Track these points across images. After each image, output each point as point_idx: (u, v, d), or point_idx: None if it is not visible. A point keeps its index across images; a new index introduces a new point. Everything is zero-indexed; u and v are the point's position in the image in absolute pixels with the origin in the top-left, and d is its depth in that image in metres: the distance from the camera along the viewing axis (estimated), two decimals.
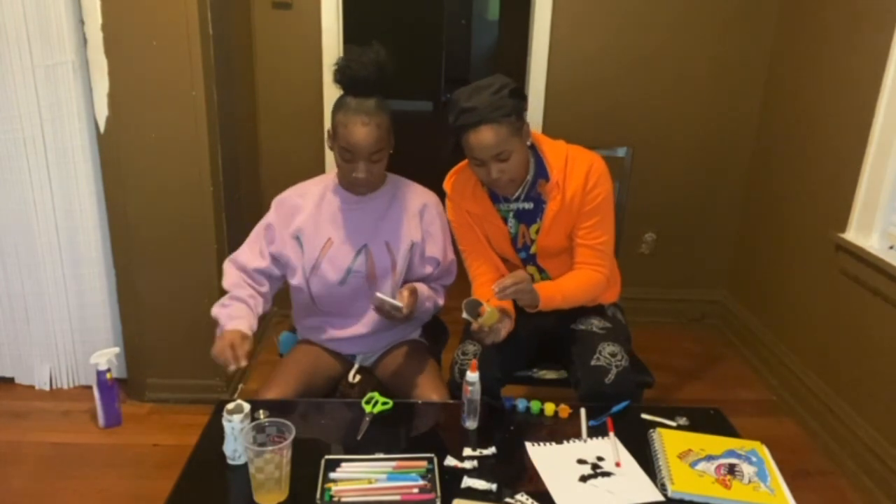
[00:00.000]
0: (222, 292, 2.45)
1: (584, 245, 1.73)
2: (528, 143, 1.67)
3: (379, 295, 1.57)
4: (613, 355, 1.64)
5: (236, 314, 1.60)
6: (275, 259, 1.73)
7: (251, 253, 1.74)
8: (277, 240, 1.72)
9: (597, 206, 1.69)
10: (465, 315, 1.51)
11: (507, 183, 1.64)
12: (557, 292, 1.67)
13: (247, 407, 1.31)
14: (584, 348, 1.68)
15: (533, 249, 1.79)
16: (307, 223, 1.71)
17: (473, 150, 1.58)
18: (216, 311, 1.63)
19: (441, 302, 1.80)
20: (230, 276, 1.72)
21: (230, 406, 1.31)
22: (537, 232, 1.75)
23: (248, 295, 1.68)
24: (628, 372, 1.64)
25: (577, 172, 1.68)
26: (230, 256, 1.76)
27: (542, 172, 1.72)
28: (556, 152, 1.70)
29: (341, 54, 1.61)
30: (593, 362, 1.64)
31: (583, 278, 1.73)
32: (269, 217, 1.74)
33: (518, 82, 1.70)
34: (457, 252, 1.85)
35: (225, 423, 1.28)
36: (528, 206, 1.74)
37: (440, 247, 1.78)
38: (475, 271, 1.81)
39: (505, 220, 1.77)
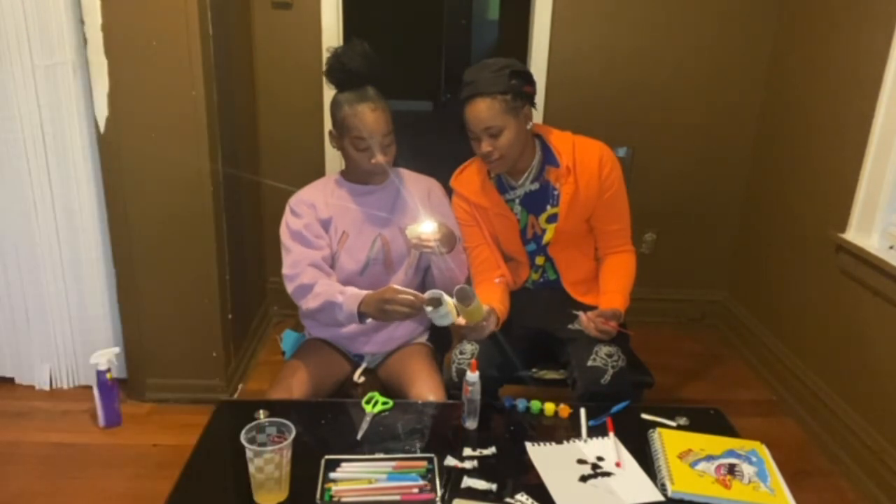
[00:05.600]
0: (222, 292, 2.48)
1: (609, 231, 1.82)
2: (528, 126, 1.69)
3: (410, 227, 1.60)
4: (610, 356, 1.64)
5: (351, 291, 1.60)
6: (322, 256, 1.72)
7: (306, 250, 1.68)
8: (321, 231, 1.72)
9: (615, 192, 1.76)
10: (454, 301, 1.49)
11: (497, 161, 1.68)
12: (619, 294, 1.74)
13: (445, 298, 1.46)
14: (581, 349, 1.68)
15: (545, 239, 1.81)
16: (329, 219, 1.73)
17: (468, 123, 1.65)
18: (320, 302, 1.60)
19: (467, 272, 1.83)
20: (305, 276, 1.65)
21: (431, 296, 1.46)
22: (547, 220, 1.78)
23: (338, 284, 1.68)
24: (625, 372, 1.64)
25: (589, 159, 1.72)
26: (286, 274, 1.67)
27: (549, 159, 1.76)
28: (562, 140, 1.76)
29: (328, 56, 1.66)
30: (590, 363, 1.64)
31: (622, 264, 1.82)
32: (302, 217, 1.71)
33: None
34: None
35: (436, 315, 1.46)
36: (535, 186, 1.77)
37: (454, 225, 1.81)
38: (475, 268, 1.83)
39: (513, 210, 1.79)
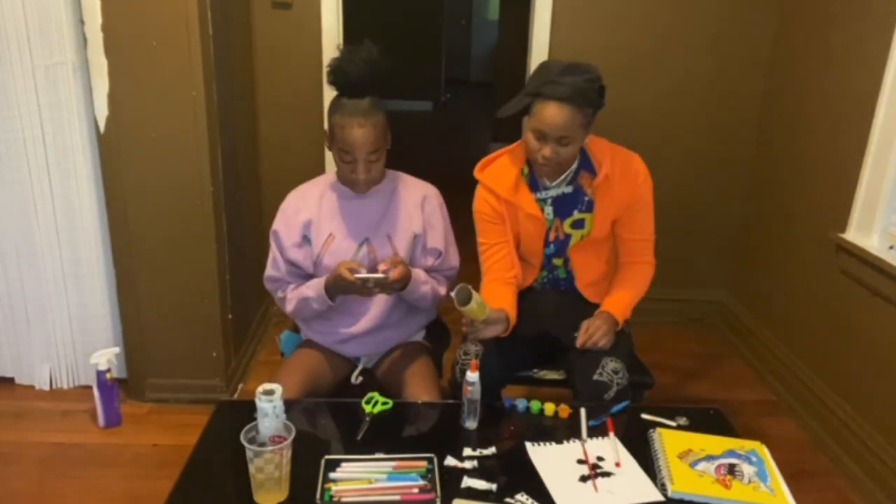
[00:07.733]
0: (222, 292, 2.48)
1: (635, 239, 1.82)
2: (586, 141, 1.71)
3: (357, 276, 1.57)
4: (616, 372, 1.64)
5: (313, 281, 1.71)
6: (291, 264, 1.75)
7: (271, 266, 1.79)
8: (287, 246, 1.73)
9: (647, 201, 1.78)
10: (455, 304, 1.49)
11: (553, 167, 1.66)
12: (619, 303, 1.77)
13: (279, 388, 1.26)
14: (588, 361, 1.67)
15: (572, 243, 1.80)
16: (310, 221, 1.72)
17: (543, 122, 1.60)
18: (294, 305, 1.74)
19: (442, 291, 1.79)
20: (284, 289, 1.79)
21: (266, 387, 1.26)
22: (571, 226, 1.77)
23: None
24: (627, 390, 1.65)
25: (624, 168, 1.74)
26: (266, 276, 1.82)
27: (586, 165, 1.75)
28: (600, 147, 1.76)
29: (335, 55, 1.62)
30: (595, 377, 1.63)
31: (635, 275, 1.84)
32: (276, 225, 1.76)
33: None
34: (458, 243, 1.85)
35: (264, 405, 1.23)
36: (569, 189, 1.76)
37: (441, 237, 1.79)
38: (489, 266, 1.80)
39: (544, 212, 1.77)
